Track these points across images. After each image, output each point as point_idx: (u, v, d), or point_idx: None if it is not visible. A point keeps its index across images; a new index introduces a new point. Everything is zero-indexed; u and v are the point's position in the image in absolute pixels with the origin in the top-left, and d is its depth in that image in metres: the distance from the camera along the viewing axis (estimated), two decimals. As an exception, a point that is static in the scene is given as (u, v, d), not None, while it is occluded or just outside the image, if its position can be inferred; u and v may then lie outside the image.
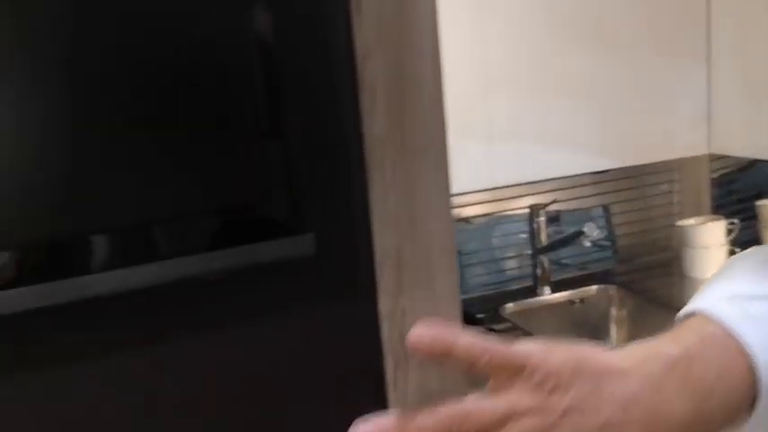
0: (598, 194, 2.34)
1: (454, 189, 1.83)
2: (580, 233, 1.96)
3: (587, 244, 2.01)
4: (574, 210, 2.36)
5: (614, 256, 2.40)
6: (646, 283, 2.27)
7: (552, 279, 2.21)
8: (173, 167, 0.46)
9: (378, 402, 0.56)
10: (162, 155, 0.48)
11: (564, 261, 2.33)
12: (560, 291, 2.19)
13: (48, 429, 0.49)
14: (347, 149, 0.50)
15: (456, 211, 2.23)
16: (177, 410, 0.50)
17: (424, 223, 0.52)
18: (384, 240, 0.53)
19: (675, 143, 1.99)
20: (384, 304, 0.54)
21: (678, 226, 2.21)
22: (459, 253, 2.39)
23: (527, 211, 2.17)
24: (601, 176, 2.26)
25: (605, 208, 2.41)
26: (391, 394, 0.56)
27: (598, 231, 1.94)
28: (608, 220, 2.42)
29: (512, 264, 2.33)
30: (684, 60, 1.94)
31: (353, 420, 0.52)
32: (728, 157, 2.18)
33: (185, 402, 0.51)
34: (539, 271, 2.17)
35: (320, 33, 0.48)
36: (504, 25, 1.77)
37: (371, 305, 0.54)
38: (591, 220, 2.35)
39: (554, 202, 2.15)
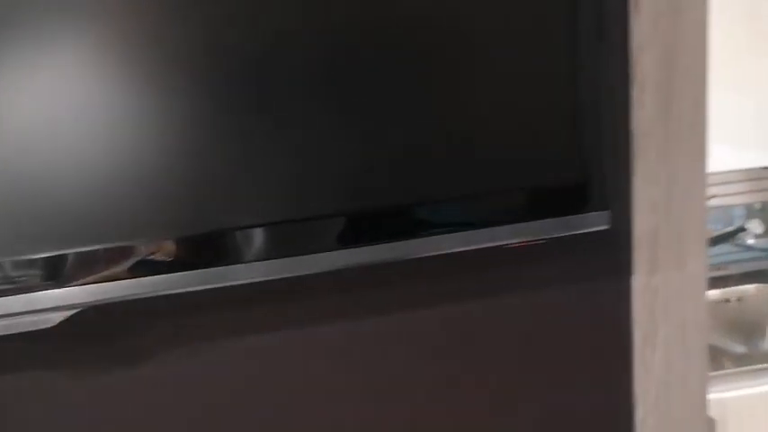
0: (759, 191, 2.25)
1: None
2: (742, 229, 1.91)
3: (750, 241, 1.95)
4: (738, 204, 2.28)
5: (771, 255, 2.31)
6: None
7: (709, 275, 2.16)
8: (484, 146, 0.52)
9: (626, 373, 0.61)
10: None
11: (718, 259, 2.27)
12: (716, 288, 2.13)
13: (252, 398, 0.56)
14: (619, 137, 0.55)
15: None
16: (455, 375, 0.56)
17: (680, 209, 0.57)
18: (643, 223, 0.57)
19: None
20: (638, 281, 0.58)
21: None
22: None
23: (684, 205, 2.13)
24: (763, 172, 2.18)
25: (765, 205, 2.32)
26: (638, 367, 0.60)
27: (761, 229, 1.88)
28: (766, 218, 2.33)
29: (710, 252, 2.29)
30: None
31: (599, 389, 0.57)
32: None
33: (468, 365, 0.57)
34: (694, 267, 2.12)
35: (603, 28, 0.54)
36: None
37: (628, 282, 0.59)
38: (757, 216, 2.28)
39: (713, 197, 2.10)
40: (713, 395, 1.82)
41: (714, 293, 2.12)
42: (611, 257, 0.59)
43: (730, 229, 2.00)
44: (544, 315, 0.59)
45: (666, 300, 0.59)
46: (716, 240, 2.07)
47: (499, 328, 0.57)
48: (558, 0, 0.52)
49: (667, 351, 0.60)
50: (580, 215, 0.53)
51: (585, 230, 0.52)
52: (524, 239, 0.51)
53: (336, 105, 0.52)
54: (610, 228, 0.56)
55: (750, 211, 2.16)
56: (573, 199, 0.53)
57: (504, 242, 0.51)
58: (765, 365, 1.79)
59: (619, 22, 0.55)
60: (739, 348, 2.09)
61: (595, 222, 0.53)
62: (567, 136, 0.53)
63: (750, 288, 2.12)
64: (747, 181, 2.20)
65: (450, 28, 0.50)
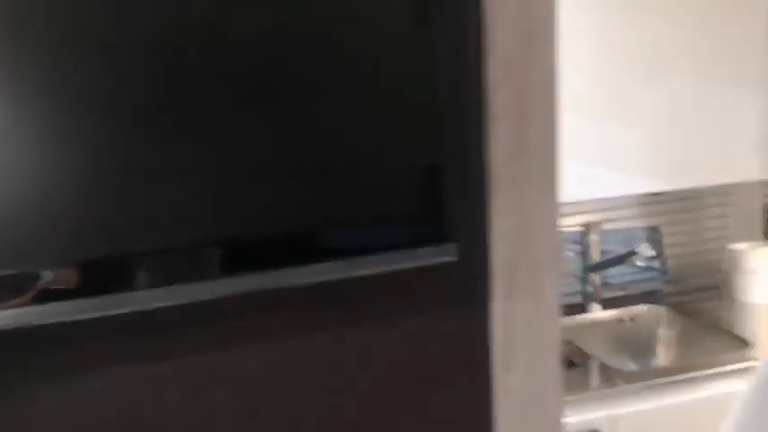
0: (650, 215, 2.38)
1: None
2: (632, 253, 2.01)
3: (639, 264, 2.05)
4: (625, 229, 2.40)
5: (664, 276, 2.44)
6: (695, 304, 2.30)
7: (602, 297, 2.26)
8: (324, 181, 0.54)
9: (485, 397, 0.63)
10: (306, 171, 0.55)
11: (614, 280, 2.37)
12: (610, 308, 2.23)
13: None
14: (475, 172, 0.58)
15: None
16: (294, 410, 0.57)
17: (534, 239, 0.60)
18: (500, 252, 0.60)
19: (729, 168, 2.03)
20: (496, 309, 0.61)
21: (729, 249, 2.24)
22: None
23: (580, 229, 2.22)
24: (654, 198, 2.30)
25: (656, 229, 2.45)
26: (497, 391, 0.63)
27: (651, 252, 1.99)
28: (661, 241, 2.46)
29: (564, 280, 2.38)
30: (743, 87, 1.98)
31: (459, 414, 0.59)
32: (783, 183, 2.21)
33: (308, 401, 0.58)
34: (589, 288, 2.21)
35: (460, 69, 0.56)
36: (571, 49, 1.83)
37: (486, 309, 0.61)
38: (646, 240, 2.40)
39: (607, 221, 2.20)
40: (606, 412, 1.91)
41: (609, 314, 2.22)
42: (469, 286, 0.62)
43: (622, 252, 2.10)
44: (404, 343, 0.60)
45: (523, 326, 0.61)
46: (608, 263, 2.17)
47: (361, 357, 0.58)
48: (415, 36, 0.55)
49: (524, 375, 0.62)
50: (427, 248, 0.55)
51: (433, 262, 0.55)
52: (373, 271, 0.53)
53: (191, 137, 0.53)
54: (466, 258, 0.59)
55: (641, 235, 2.27)
56: (422, 232, 0.55)
57: (352, 274, 0.53)
58: (656, 382, 1.88)
59: (475, 60, 0.58)
60: (632, 366, 2.19)
61: (443, 254, 0.56)
62: (419, 174, 0.55)
63: (642, 308, 2.23)
64: (637, 206, 2.32)
65: (299, 60, 0.52)
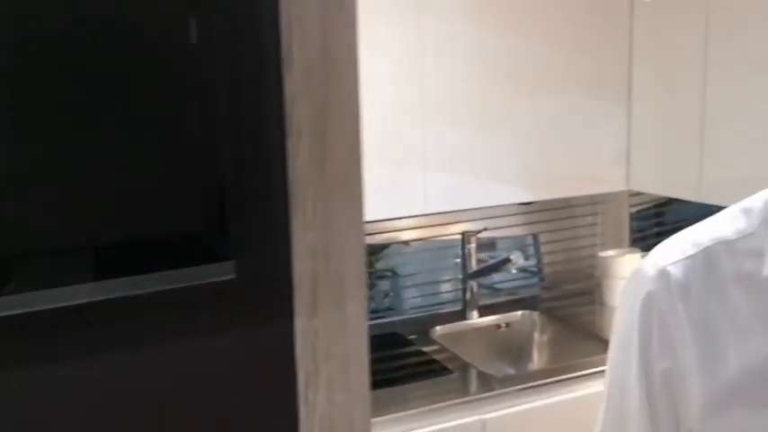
0: (529, 224, 2.46)
1: (390, 214, 1.91)
2: (507, 260, 2.07)
3: (513, 271, 2.12)
4: (507, 237, 2.47)
5: (541, 283, 2.52)
6: (568, 309, 2.40)
7: (482, 303, 2.32)
8: (108, 193, 0.52)
9: (290, 414, 0.62)
10: (96, 180, 0.53)
11: (495, 286, 2.44)
12: (488, 315, 2.29)
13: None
14: (273, 186, 0.57)
15: (393, 235, 2.31)
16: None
17: (338, 253, 0.60)
18: (302, 268, 0.60)
19: (597, 179, 2.12)
20: (299, 324, 0.61)
21: (599, 257, 2.34)
22: (396, 275, 2.47)
23: (460, 237, 2.27)
24: (532, 207, 2.38)
25: (535, 237, 2.54)
26: (302, 407, 0.62)
27: (524, 259, 2.05)
28: (537, 249, 2.54)
29: (444, 287, 2.43)
30: (607, 103, 2.08)
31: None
32: (646, 193, 2.33)
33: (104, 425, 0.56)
34: (468, 295, 2.26)
35: (253, 79, 0.56)
36: (441, 63, 1.87)
37: (288, 325, 0.61)
38: (521, 248, 2.48)
39: (485, 229, 2.26)
40: (480, 416, 1.95)
41: (486, 320, 2.28)
42: (272, 302, 0.61)
43: (496, 260, 2.15)
44: (204, 362, 0.59)
45: (328, 341, 0.61)
46: (484, 270, 2.22)
47: (161, 376, 0.56)
48: (198, 51, 0.54)
49: (330, 390, 0.62)
50: (210, 265, 0.54)
51: (214, 280, 0.54)
52: (151, 290, 0.52)
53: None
54: (256, 274, 0.58)
55: (514, 243, 2.34)
56: (206, 249, 0.54)
57: (130, 293, 0.51)
58: (529, 385, 1.94)
59: (269, 73, 0.57)
60: (508, 370, 2.25)
61: (223, 272, 0.55)
62: (201, 190, 0.54)
63: (517, 314, 2.30)
64: (516, 215, 2.40)
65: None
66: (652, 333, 0.72)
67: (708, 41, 1.84)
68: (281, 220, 0.58)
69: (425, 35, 1.82)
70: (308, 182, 0.61)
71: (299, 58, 0.59)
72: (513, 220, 2.38)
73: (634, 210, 2.48)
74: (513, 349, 2.27)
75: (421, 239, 2.36)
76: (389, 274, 2.51)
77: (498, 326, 2.27)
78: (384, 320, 2.29)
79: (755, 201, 0.75)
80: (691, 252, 0.73)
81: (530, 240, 2.56)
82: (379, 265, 2.54)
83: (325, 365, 0.64)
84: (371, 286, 2.54)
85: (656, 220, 2.61)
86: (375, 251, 2.46)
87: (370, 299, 2.50)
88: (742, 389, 0.67)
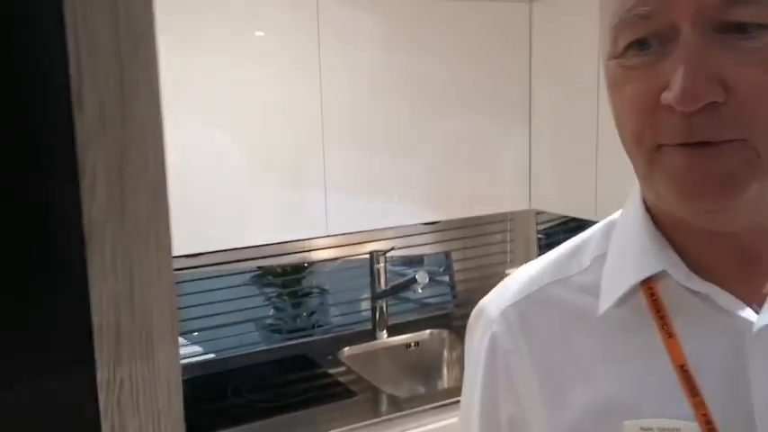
0: (442, 241, 2.47)
1: (290, 236, 1.88)
2: (413, 281, 2.07)
3: (419, 291, 2.12)
4: (420, 255, 2.48)
5: (454, 300, 2.54)
6: (479, 326, 2.40)
7: (393, 323, 2.31)
8: None
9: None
10: None
11: (406, 305, 2.44)
12: (398, 334, 2.29)
13: None
14: (67, 232, 0.55)
15: (303, 256, 2.29)
16: None
17: (143, 302, 0.57)
18: (102, 317, 0.57)
19: (501, 199, 2.15)
20: (102, 376, 0.58)
21: (506, 274, 2.36)
22: (308, 295, 2.45)
23: (367, 257, 2.26)
24: (444, 224, 2.39)
25: (447, 254, 2.55)
26: (109, 459, 0.60)
27: (429, 279, 2.05)
28: (449, 266, 2.56)
29: (354, 307, 2.42)
30: (509, 123, 2.11)
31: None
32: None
33: None
34: (377, 315, 2.25)
35: (39, 121, 0.53)
36: (342, 84, 1.86)
37: (90, 378, 0.58)
38: (438, 264, 2.49)
39: (392, 249, 2.26)
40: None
41: (395, 339, 2.27)
42: (71, 353, 0.58)
43: (403, 280, 2.15)
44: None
45: (136, 394, 0.58)
46: (391, 290, 2.22)
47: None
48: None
49: (139, 441, 0.60)
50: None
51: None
52: None
53: None
54: (65, 321, 0.56)
55: (427, 261, 2.35)
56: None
57: None
58: (439, 403, 1.94)
59: (62, 115, 0.55)
60: (418, 390, 2.25)
61: None
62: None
63: (425, 333, 2.30)
64: (427, 233, 2.41)
65: None
66: (497, 377, 0.71)
67: (600, 62, 1.88)
68: (77, 267, 0.56)
69: (325, 57, 1.82)
70: (107, 226, 0.59)
71: (92, 97, 0.57)
72: (425, 238, 2.39)
73: (542, 227, 2.52)
74: (423, 368, 2.27)
75: (332, 259, 2.34)
76: (299, 294, 2.49)
77: (408, 345, 2.27)
78: (293, 342, 2.26)
79: (591, 235, 0.76)
80: (530, 291, 0.72)
81: (444, 258, 2.57)
82: (291, 286, 2.51)
83: (134, 420, 0.62)
84: (296, 305, 2.51)
85: (564, 237, 2.65)
86: (289, 272, 2.43)
87: (286, 318, 2.47)
88: (587, 431, 0.66)
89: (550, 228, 2.58)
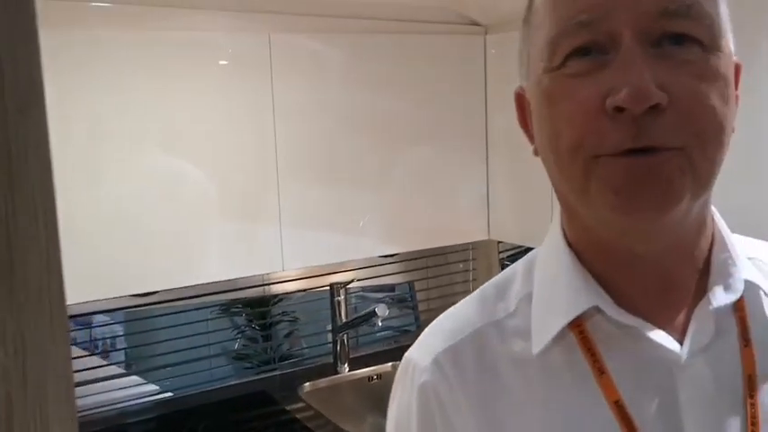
0: (405, 271, 2.46)
1: (253, 271, 1.85)
2: (372, 314, 2.05)
3: (379, 324, 2.10)
4: (382, 285, 2.47)
5: (417, 330, 2.52)
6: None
7: (356, 355, 2.29)
8: None
9: None
10: None
11: (369, 337, 2.42)
12: (360, 367, 2.26)
13: None
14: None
15: (263, 289, 2.27)
16: None
17: (37, 375, 0.55)
18: (-8, 391, 0.55)
19: (460, 230, 2.15)
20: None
21: (469, 304, 2.35)
22: (274, 325, 2.42)
23: (328, 289, 2.24)
24: (408, 254, 2.38)
25: (410, 284, 2.54)
26: None
27: (387, 312, 2.04)
28: (413, 297, 2.55)
29: (317, 340, 2.39)
30: (467, 155, 2.11)
31: None
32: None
33: None
34: (338, 348, 2.23)
35: None
36: (297, 118, 1.85)
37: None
38: (403, 294, 2.47)
39: (353, 281, 2.24)
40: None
41: (357, 373, 2.25)
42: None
43: (363, 313, 2.13)
44: None
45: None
46: (351, 324, 2.20)
47: None
48: None
49: None
50: None
51: None
52: None
53: None
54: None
55: (373, 299, 2.33)
56: None
57: None
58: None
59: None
60: (382, 421, 2.22)
61: None
62: None
63: (387, 365, 2.28)
64: (390, 264, 2.39)
65: None
66: (435, 427, 0.69)
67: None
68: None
69: (279, 90, 1.81)
70: (-5, 298, 0.57)
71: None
72: (388, 268, 2.38)
73: (504, 254, 2.52)
74: (386, 401, 2.25)
75: (292, 292, 2.32)
76: (266, 326, 2.46)
77: (370, 378, 2.25)
78: (254, 378, 2.23)
79: (512, 274, 0.75)
80: (462, 335, 0.71)
81: (407, 288, 2.56)
82: (257, 318, 2.49)
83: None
84: (264, 338, 2.48)
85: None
86: (253, 304, 2.41)
87: (252, 352, 2.44)
88: None
89: (512, 255, 2.58)
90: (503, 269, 2.39)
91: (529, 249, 2.58)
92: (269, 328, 2.48)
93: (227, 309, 2.44)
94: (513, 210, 2.09)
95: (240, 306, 2.46)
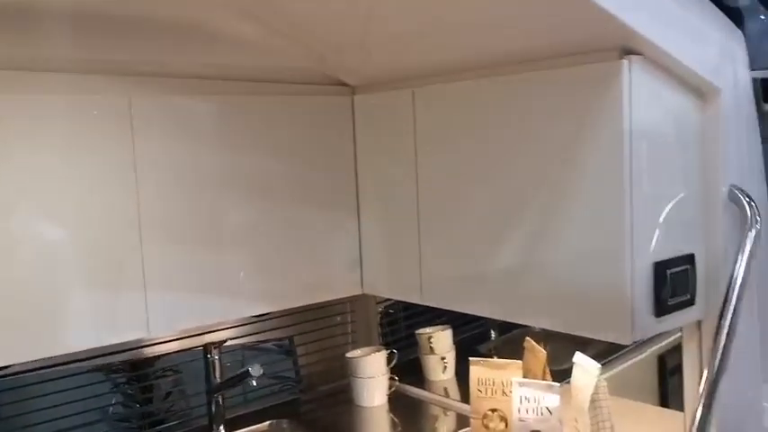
0: (283, 327, 2.45)
1: (118, 339, 1.80)
2: (246, 374, 2.03)
3: (253, 383, 2.08)
4: (258, 342, 2.44)
5: (298, 386, 2.51)
6: (322, 411, 2.40)
7: (232, 415, 2.25)
8: None
9: None
10: None
11: (247, 396, 2.38)
12: (237, 428, 2.22)
13: None
14: None
15: (135, 352, 2.20)
16: None
17: None
18: None
19: (334, 287, 2.17)
20: None
21: (347, 357, 2.38)
22: (141, 394, 2.34)
23: (202, 349, 2.20)
24: (286, 310, 2.38)
25: (291, 340, 2.53)
26: None
27: (261, 371, 2.02)
28: (293, 352, 2.54)
29: (190, 403, 2.34)
30: (339, 213, 2.16)
31: None
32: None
33: None
34: (213, 409, 2.19)
35: None
36: (161, 178, 1.84)
37: None
38: (281, 351, 2.46)
39: (227, 340, 2.21)
40: None
41: (234, 434, 2.21)
42: None
43: (237, 373, 2.11)
44: None
45: None
46: (225, 384, 2.17)
47: None
48: None
49: None
50: None
51: None
52: None
53: None
54: None
55: (252, 355, 2.32)
56: None
57: None
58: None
59: None
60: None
61: None
62: None
63: (265, 425, 2.25)
64: (267, 321, 2.38)
65: None
66: None
67: (417, 150, 1.97)
68: None
69: (141, 152, 1.79)
70: None
71: None
72: (268, 324, 2.37)
73: (381, 306, 2.56)
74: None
75: (165, 354, 2.26)
76: (140, 391, 2.38)
77: (247, 439, 2.21)
78: (124, 446, 2.15)
79: None
80: None
81: (287, 345, 2.55)
82: (134, 381, 2.40)
83: None
84: (134, 402, 2.39)
85: (403, 314, 2.71)
86: (131, 367, 2.33)
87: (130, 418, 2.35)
88: None
89: (390, 305, 2.63)
90: (381, 320, 2.41)
91: (403, 303, 2.63)
92: (149, 390, 2.40)
93: (104, 371, 2.35)
94: (385, 264, 2.14)
95: (118, 367, 2.37)
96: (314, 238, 2.11)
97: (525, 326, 2.41)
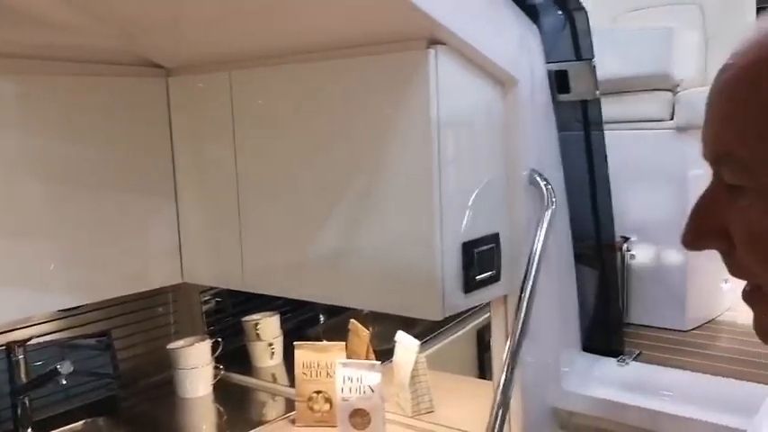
0: (100, 320, 2.33)
1: None
2: (54, 372, 1.90)
3: (63, 382, 1.96)
4: (71, 338, 2.30)
5: (117, 381, 2.40)
6: (145, 406, 2.31)
7: (41, 417, 2.11)
8: None
9: None
10: None
11: (59, 395, 2.24)
12: (47, 429, 2.09)
13: None
14: None
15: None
16: None
17: None
18: None
19: (151, 276, 2.09)
20: None
21: (168, 349, 2.30)
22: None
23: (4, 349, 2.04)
24: (102, 303, 2.25)
25: (108, 334, 2.41)
26: None
27: (71, 368, 1.91)
28: (110, 347, 2.41)
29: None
30: (156, 199, 2.07)
31: None
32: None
33: None
34: (20, 412, 2.03)
35: None
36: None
37: None
38: (94, 348, 2.33)
39: (31, 338, 2.06)
40: None
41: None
42: None
43: (43, 372, 1.97)
44: None
45: None
46: (32, 385, 2.02)
47: None
48: None
49: None
50: None
51: None
52: None
53: None
54: None
55: (62, 352, 2.18)
56: None
57: None
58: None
59: None
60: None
61: None
62: None
63: (78, 425, 2.14)
64: (80, 315, 2.25)
65: None
66: None
67: (235, 134, 1.93)
68: None
69: None
70: None
71: None
72: (82, 318, 2.23)
73: (207, 295, 2.51)
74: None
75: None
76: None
77: (59, 440, 2.08)
78: None
79: None
80: None
81: (104, 339, 2.42)
82: None
83: None
84: None
85: (232, 300, 2.67)
86: None
87: None
88: None
89: (216, 293, 2.58)
90: (207, 309, 2.36)
91: (227, 291, 2.60)
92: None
93: None
94: (206, 251, 2.09)
95: None
96: (129, 226, 2.01)
97: (354, 309, 2.47)
